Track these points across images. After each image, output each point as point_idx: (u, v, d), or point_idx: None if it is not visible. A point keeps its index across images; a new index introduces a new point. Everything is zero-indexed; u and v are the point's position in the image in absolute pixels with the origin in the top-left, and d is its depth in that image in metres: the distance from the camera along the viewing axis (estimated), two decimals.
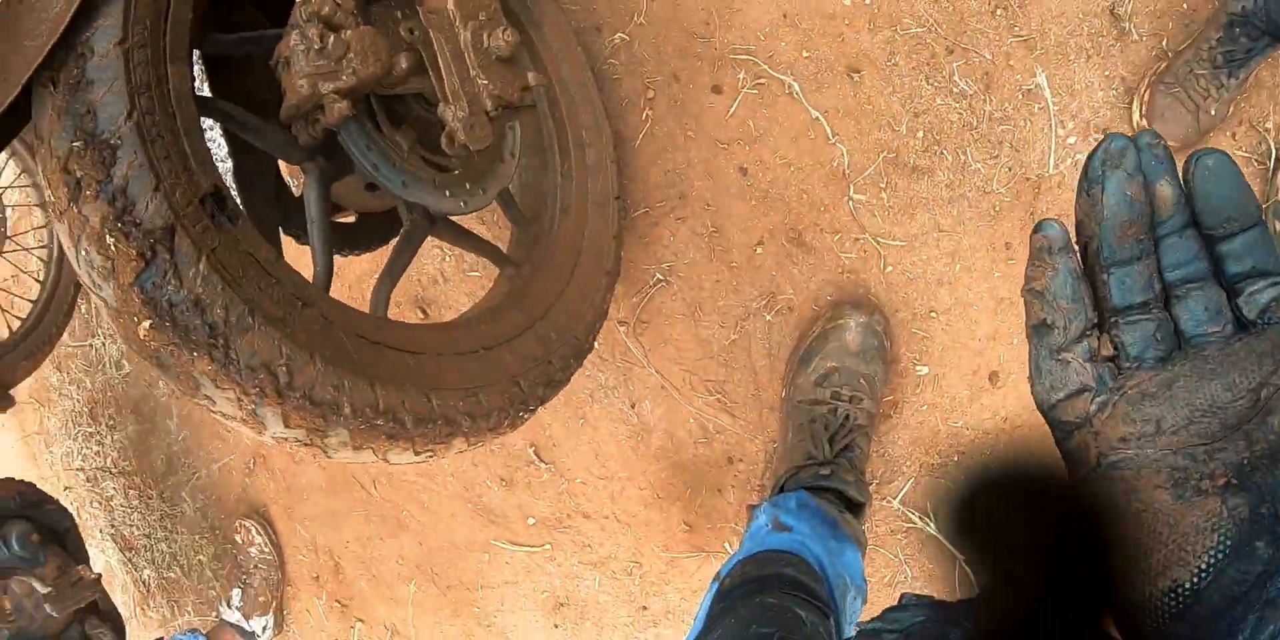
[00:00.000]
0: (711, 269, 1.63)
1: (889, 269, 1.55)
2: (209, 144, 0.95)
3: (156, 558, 2.46)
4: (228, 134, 1.26)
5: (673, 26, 1.59)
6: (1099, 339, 0.49)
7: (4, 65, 0.84)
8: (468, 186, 1.19)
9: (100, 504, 2.56)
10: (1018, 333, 1.54)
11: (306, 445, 0.97)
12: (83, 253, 0.85)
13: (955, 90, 1.50)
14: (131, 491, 2.50)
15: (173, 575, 2.41)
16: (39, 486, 1.71)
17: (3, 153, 2.20)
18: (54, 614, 1.53)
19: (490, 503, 1.85)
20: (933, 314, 1.55)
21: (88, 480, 2.58)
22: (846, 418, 1.46)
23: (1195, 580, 0.44)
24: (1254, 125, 1.45)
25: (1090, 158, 0.48)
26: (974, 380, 1.56)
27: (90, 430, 2.57)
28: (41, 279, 2.26)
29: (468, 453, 1.81)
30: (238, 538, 2.16)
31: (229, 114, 1.08)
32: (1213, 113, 1.41)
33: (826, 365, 1.50)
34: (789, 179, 1.57)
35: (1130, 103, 1.46)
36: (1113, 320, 0.49)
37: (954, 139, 1.51)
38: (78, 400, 2.61)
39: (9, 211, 2.11)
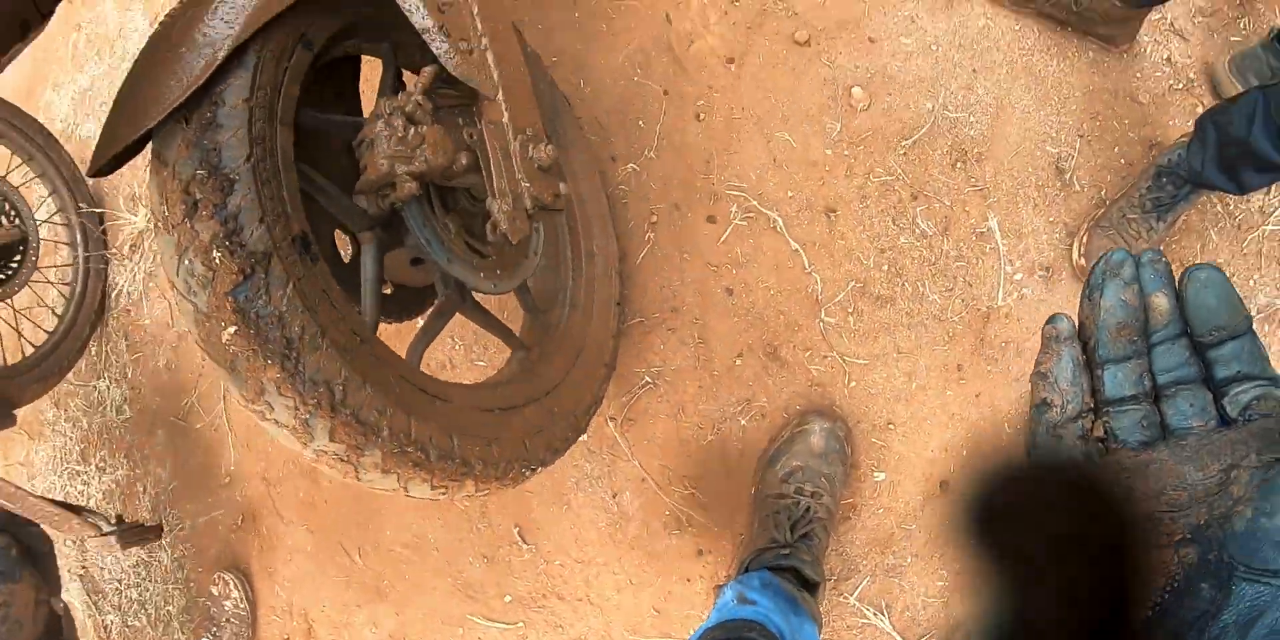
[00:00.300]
0: (695, 376, 1.79)
1: (853, 384, 1.72)
2: None
3: (124, 604, 2.44)
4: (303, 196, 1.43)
5: (678, 162, 1.82)
6: (1093, 422, 0.54)
7: (151, 99, 1.01)
8: (499, 272, 1.37)
9: (74, 543, 2.54)
10: (967, 445, 1.69)
11: (342, 462, 1.09)
12: (186, 262, 0.99)
13: (917, 231, 1.72)
14: None
15: (137, 623, 2.39)
16: None
17: (45, 189, 2.40)
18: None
19: (470, 578, 1.92)
20: (890, 426, 1.70)
21: None
22: (808, 510, 1.59)
23: (1145, 616, 0.48)
24: (1183, 263, 1.67)
25: (1093, 269, 0.54)
26: (926, 487, 1.70)
27: (78, 469, 2.59)
28: (60, 313, 2.40)
29: (454, 525, 1.90)
30: (214, 589, 2.19)
31: (311, 178, 1.26)
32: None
33: (792, 464, 1.64)
34: (769, 301, 1.76)
35: (1071, 244, 1.69)
36: (1104, 410, 0.53)
37: (914, 273, 1.72)
38: (70, 438, 2.66)
39: (40, 243, 2.27)
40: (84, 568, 2.54)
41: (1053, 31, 1.78)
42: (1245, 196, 1.69)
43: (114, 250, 2.56)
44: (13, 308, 2.38)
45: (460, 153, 1.26)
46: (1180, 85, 1.77)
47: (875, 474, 1.71)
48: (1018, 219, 1.71)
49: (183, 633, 2.31)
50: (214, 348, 1.01)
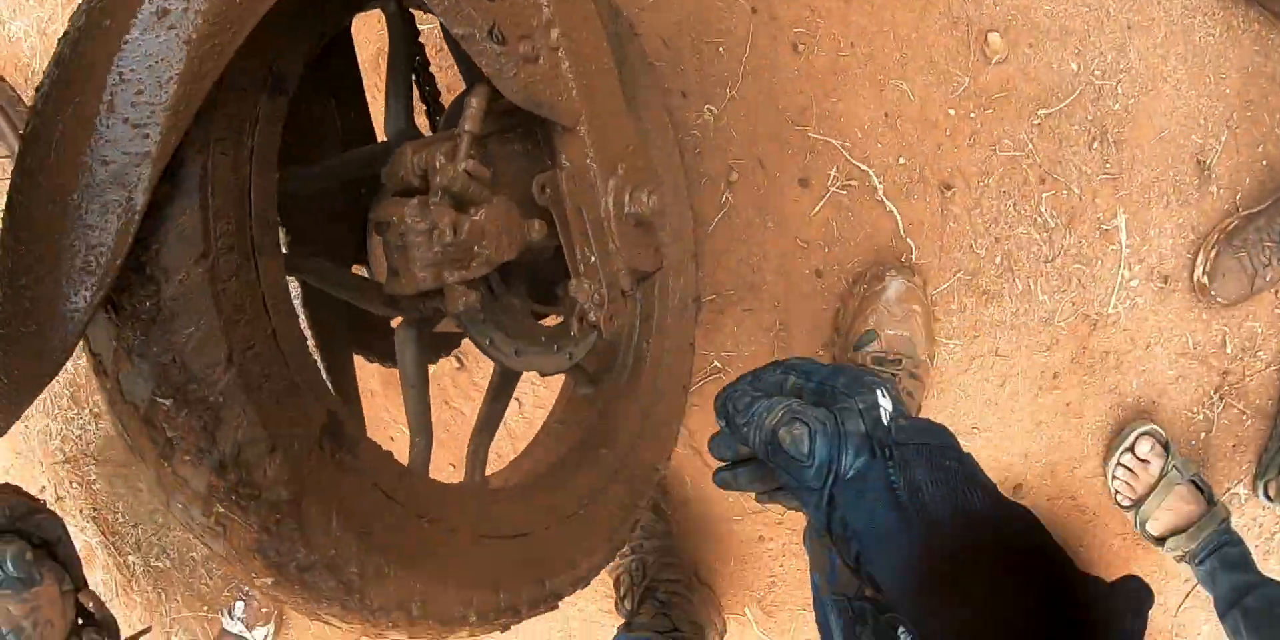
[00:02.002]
0: None
1: (939, 394, 1.45)
2: None
3: (144, 546, 2.14)
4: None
5: (767, 107, 1.40)
6: None
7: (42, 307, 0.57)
8: (570, 339, 1.03)
9: (80, 485, 2.17)
10: (1046, 454, 1.47)
11: None
12: (179, 506, 0.68)
13: (1039, 221, 1.37)
14: (117, 479, 2.13)
15: (161, 565, 2.12)
16: (21, 486, 1.47)
17: None
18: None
19: None
20: (975, 430, 1.46)
21: (67, 461, 2.15)
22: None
23: None
24: None
25: None
26: (1003, 489, 1.49)
27: (71, 413, 2.14)
28: None
29: None
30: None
31: (321, 274, 0.91)
32: (1268, 278, 1.33)
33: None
34: None
35: (1196, 255, 1.36)
36: None
37: (1028, 269, 1.39)
38: (57, 381, 2.22)
39: None
40: (95, 510, 2.17)
41: None
42: None
43: None
44: None
45: (530, 222, 0.89)
46: None
47: None
48: (1146, 218, 1.36)
49: (211, 578, 2.05)
50: (256, 589, 0.73)
